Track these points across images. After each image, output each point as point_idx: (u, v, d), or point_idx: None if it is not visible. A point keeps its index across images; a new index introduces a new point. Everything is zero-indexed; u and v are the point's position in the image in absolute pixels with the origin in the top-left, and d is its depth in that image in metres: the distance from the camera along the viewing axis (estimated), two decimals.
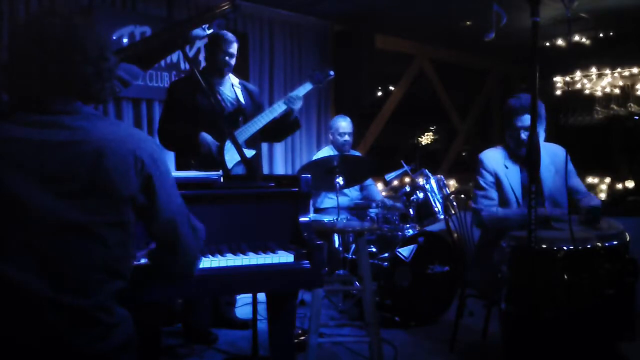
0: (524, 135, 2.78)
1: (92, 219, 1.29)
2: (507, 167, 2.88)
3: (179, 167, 3.16)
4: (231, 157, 3.01)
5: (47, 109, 1.32)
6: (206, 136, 2.99)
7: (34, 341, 1.25)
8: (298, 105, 3.22)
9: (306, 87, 3.27)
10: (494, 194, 2.88)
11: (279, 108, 3.18)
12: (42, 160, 1.27)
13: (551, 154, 2.88)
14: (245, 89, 3.36)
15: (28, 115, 1.31)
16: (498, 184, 2.87)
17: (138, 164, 1.35)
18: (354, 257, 3.73)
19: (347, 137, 4.41)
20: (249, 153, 3.10)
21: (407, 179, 4.58)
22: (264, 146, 5.17)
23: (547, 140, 2.90)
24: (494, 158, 2.92)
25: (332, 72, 3.36)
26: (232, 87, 3.30)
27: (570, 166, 2.93)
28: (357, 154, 4.63)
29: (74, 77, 1.34)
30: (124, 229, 1.35)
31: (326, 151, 4.43)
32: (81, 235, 1.28)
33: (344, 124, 4.42)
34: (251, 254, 1.90)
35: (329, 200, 4.34)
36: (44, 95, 1.33)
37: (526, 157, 1.88)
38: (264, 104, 4.19)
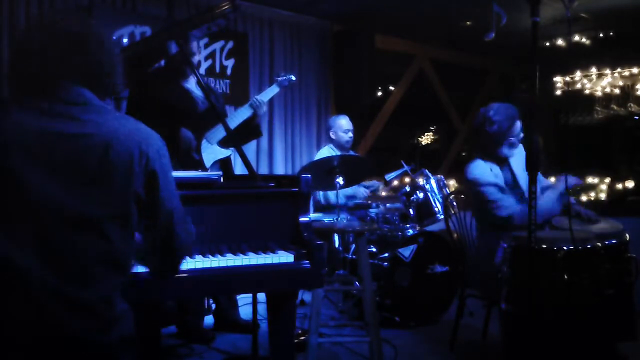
0: (516, 140, 2.96)
1: (98, 211, 1.30)
2: (491, 170, 2.96)
3: None
4: (208, 156, 3.00)
5: (57, 96, 1.34)
6: (187, 132, 2.95)
7: (35, 331, 1.25)
8: (263, 109, 3.21)
9: (273, 90, 3.29)
10: (506, 194, 2.91)
11: (247, 111, 3.17)
12: (52, 151, 1.29)
13: (523, 152, 2.97)
14: (209, 88, 3.33)
15: (38, 103, 1.33)
16: (501, 188, 2.91)
17: (143, 159, 1.37)
18: (354, 257, 3.73)
19: (351, 134, 4.44)
20: (225, 153, 3.09)
21: (407, 179, 4.58)
22: (264, 145, 5.17)
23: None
24: (482, 170, 2.97)
25: (293, 77, 3.36)
26: (196, 85, 3.17)
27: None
28: (354, 154, 4.63)
29: (90, 70, 1.39)
30: (128, 223, 1.37)
31: (326, 151, 4.42)
32: (87, 227, 1.30)
33: (344, 122, 4.43)
34: (251, 254, 1.90)
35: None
36: (57, 81, 1.36)
37: (526, 158, 1.89)
38: None
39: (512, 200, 2.88)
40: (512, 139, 2.94)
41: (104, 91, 1.43)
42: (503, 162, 3.03)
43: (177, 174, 2.16)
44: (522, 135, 2.96)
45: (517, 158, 3.02)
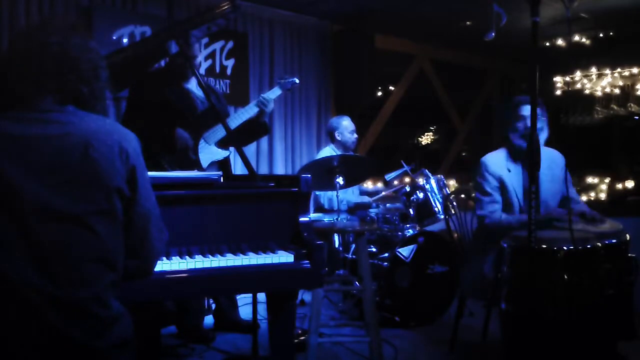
0: (528, 122, 2.80)
1: (83, 208, 1.31)
2: (509, 171, 2.88)
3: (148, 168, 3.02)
4: (205, 156, 2.99)
5: (37, 108, 1.37)
6: (182, 132, 2.94)
7: (33, 334, 1.25)
8: (270, 107, 3.18)
9: (275, 92, 3.23)
10: (498, 197, 2.87)
11: (252, 110, 3.14)
12: (33, 153, 1.31)
13: (549, 160, 2.87)
14: (209, 89, 3.31)
15: (17, 113, 1.36)
16: (502, 188, 2.87)
17: (123, 155, 1.40)
18: (354, 257, 3.73)
19: (356, 135, 4.43)
20: (223, 154, 3.08)
21: (407, 179, 4.58)
22: (264, 146, 5.17)
23: (546, 143, 2.90)
24: (497, 162, 2.90)
25: (297, 80, 3.32)
26: (197, 86, 3.15)
27: (567, 174, 2.96)
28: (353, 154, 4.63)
29: (70, 94, 1.40)
30: (115, 219, 1.38)
31: (328, 151, 4.40)
32: (73, 225, 1.31)
33: (349, 123, 4.41)
34: (251, 254, 1.90)
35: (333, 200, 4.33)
36: (36, 98, 1.38)
37: (526, 157, 1.89)
38: None
39: (497, 205, 2.86)
40: (518, 124, 2.82)
41: (84, 106, 1.44)
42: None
43: (177, 174, 2.17)
44: (526, 124, 2.79)
45: (544, 168, 2.93)
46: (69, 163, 1.32)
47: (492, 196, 2.87)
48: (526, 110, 2.80)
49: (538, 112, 2.77)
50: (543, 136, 2.81)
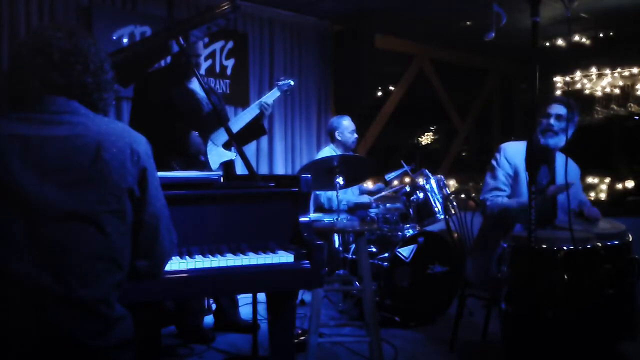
0: (552, 120, 2.83)
1: (93, 208, 1.32)
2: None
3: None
4: (214, 157, 3.00)
5: (46, 108, 1.38)
6: (196, 137, 2.96)
7: (34, 333, 1.25)
8: (269, 110, 3.22)
9: (274, 94, 3.27)
10: (506, 187, 2.87)
11: (254, 112, 3.16)
12: (44, 154, 1.32)
13: (567, 168, 2.91)
14: (212, 90, 3.31)
15: (27, 114, 1.37)
16: (515, 177, 2.87)
17: (134, 156, 1.41)
18: (354, 257, 3.73)
19: (356, 135, 4.43)
20: (231, 155, 3.09)
21: (407, 179, 4.58)
22: (264, 146, 5.17)
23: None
24: (517, 151, 2.89)
25: (292, 82, 3.34)
26: (200, 86, 3.11)
27: (579, 183, 3.02)
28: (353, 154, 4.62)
29: (75, 85, 1.42)
30: (124, 219, 1.39)
31: (328, 151, 4.40)
32: (83, 224, 1.31)
33: (349, 123, 4.41)
34: (251, 254, 1.90)
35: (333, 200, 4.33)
36: (45, 97, 1.39)
37: (526, 158, 1.89)
38: None
39: (501, 193, 2.86)
40: (544, 120, 2.83)
41: (91, 108, 1.45)
42: (548, 162, 2.92)
43: (177, 174, 2.17)
44: (555, 124, 2.80)
45: (560, 170, 2.92)
46: (80, 164, 1.33)
47: (497, 182, 2.87)
48: (555, 109, 2.83)
49: (565, 114, 2.81)
50: (561, 140, 2.83)
